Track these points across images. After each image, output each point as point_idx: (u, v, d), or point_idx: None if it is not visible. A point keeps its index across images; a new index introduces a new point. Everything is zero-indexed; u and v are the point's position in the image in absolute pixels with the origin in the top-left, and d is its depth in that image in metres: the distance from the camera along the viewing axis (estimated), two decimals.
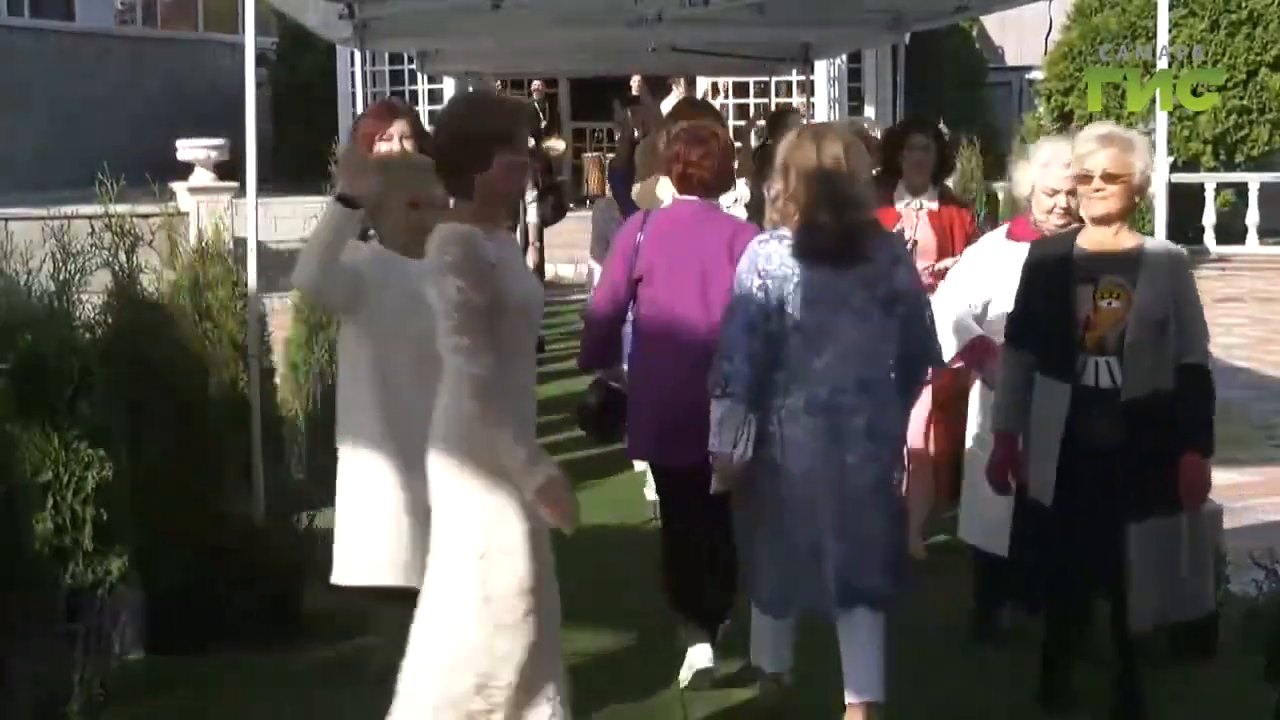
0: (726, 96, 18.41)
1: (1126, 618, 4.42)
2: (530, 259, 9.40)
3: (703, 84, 17.11)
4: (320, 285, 4.19)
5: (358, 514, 4.22)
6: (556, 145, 16.15)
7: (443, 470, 3.71)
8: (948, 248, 6.26)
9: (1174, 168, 15.62)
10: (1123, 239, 4.47)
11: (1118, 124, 4.78)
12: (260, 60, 9.00)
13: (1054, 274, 4.51)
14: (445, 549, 3.69)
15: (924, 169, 6.42)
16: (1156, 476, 4.34)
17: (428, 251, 3.67)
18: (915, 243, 6.26)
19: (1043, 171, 5.11)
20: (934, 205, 6.44)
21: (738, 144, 7.33)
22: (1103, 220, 4.45)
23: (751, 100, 18.17)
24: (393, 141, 5.08)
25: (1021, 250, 4.78)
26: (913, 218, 6.38)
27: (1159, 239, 5.05)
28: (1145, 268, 4.39)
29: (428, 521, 3.83)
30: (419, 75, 15.37)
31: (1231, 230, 17.71)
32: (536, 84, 17.13)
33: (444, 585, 3.68)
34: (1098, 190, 4.42)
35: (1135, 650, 4.49)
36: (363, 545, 4.20)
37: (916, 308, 4.46)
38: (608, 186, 8.90)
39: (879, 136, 7.42)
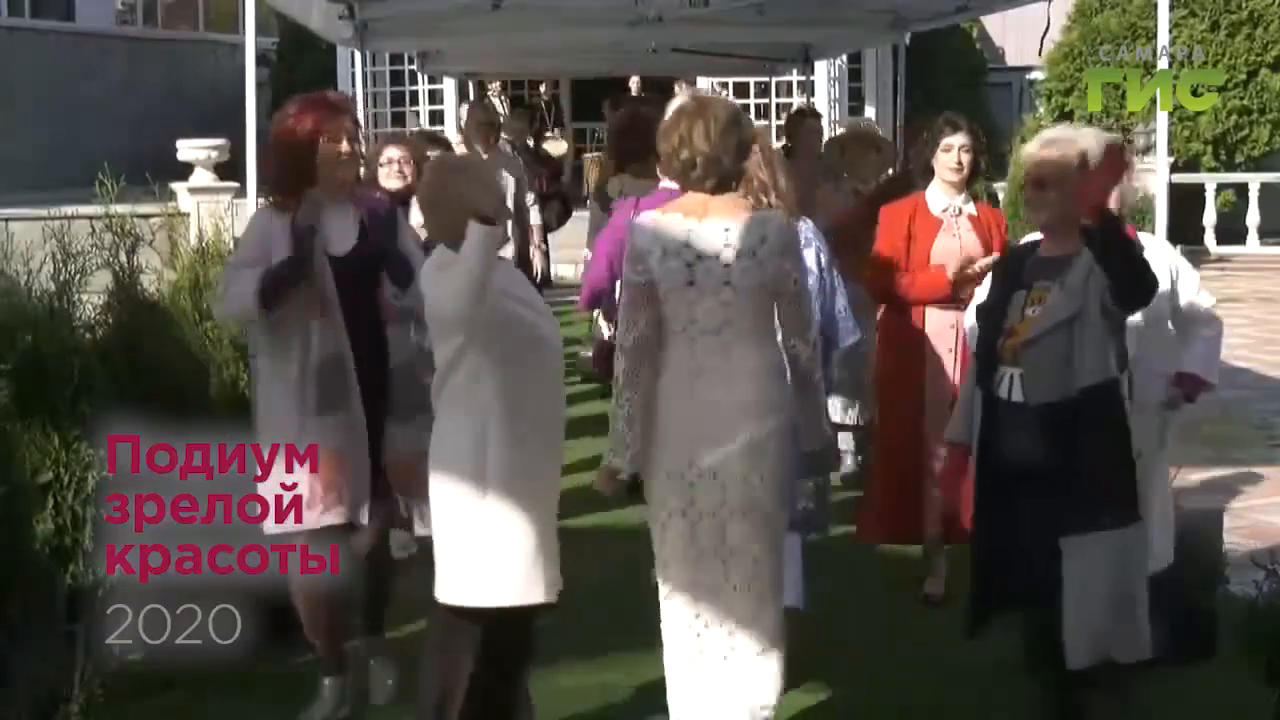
0: (726, 97, 18.43)
1: (1057, 643, 4.11)
2: (536, 262, 9.39)
3: (703, 84, 17.11)
4: (475, 317, 3.97)
5: (484, 532, 4.07)
6: (557, 145, 16.18)
7: (758, 451, 4.14)
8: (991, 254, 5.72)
9: (1174, 168, 15.63)
10: (1072, 243, 4.12)
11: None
12: (260, 60, 9.00)
13: (1002, 281, 4.34)
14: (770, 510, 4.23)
15: (963, 171, 5.82)
16: (1070, 492, 4.05)
17: (781, 235, 4.14)
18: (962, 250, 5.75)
19: None
20: (973, 210, 5.87)
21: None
22: (1043, 228, 4.23)
23: (752, 100, 18.16)
24: (341, 144, 4.62)
25: None
26: (953, 224, 5.81)
27: None
28: (1074, 269, 4.08)
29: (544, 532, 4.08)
30: (419, 75, 15.36)
31: (1231, 230, 17.70)
32: (542, 85, 17.18)
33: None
34: (1031, 199, 4.20)
35: (1070, 677, 4.14)
36: (501, 566, 4.07)
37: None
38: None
39: (896, 134, 7.32)
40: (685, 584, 4.23)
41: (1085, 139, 4.20)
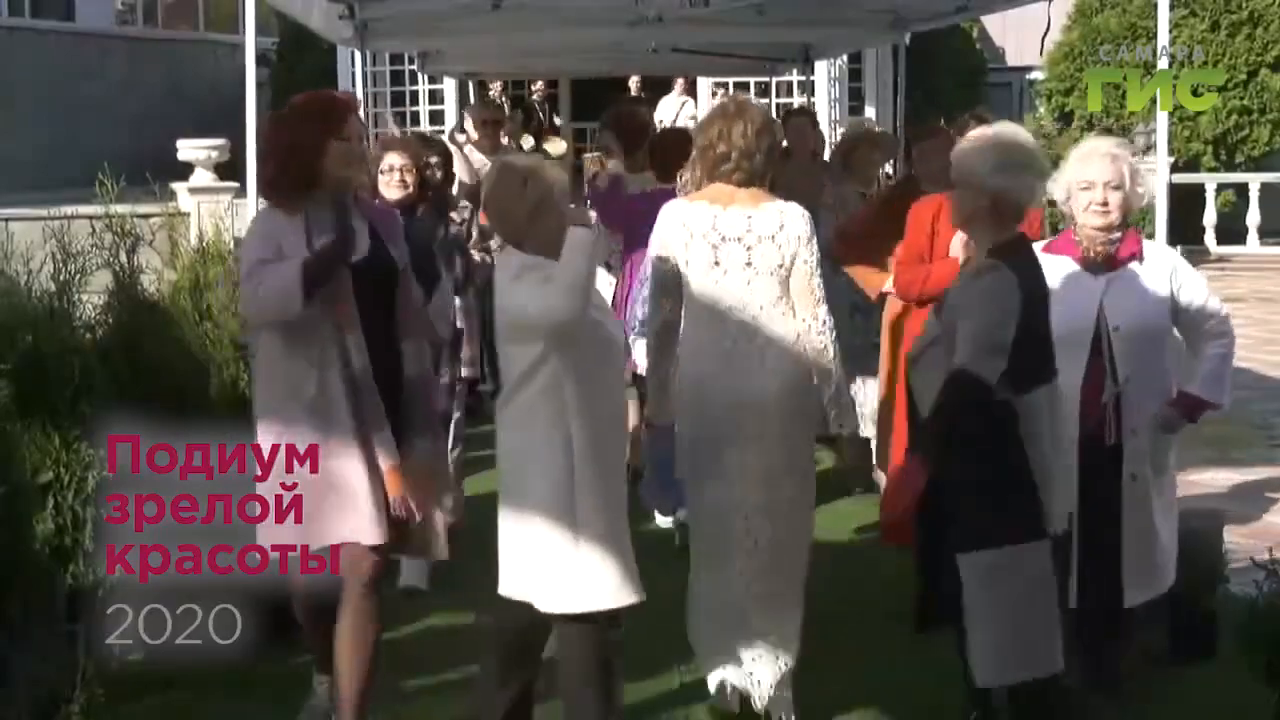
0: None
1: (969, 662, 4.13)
2: None
3: (704, 84, 17.11)
4: (577, 321, 4.06)
5: (586, 537, 4.10)
6: (556, 146, 16.16)
7: (791, 413, 4.51)
8: None
9: (1174, 168, 15.63)
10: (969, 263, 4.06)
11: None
12: (260, 60, 8.99)
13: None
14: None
15: None
16: (958, 509, 4.02)
17: (797, 221, 4.51)
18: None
19: (1080, 166, 4.59)
20: None
21: None
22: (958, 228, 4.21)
23: (752, 100, 18.16)
24: (351, 143, 4.35)
25: (1056, 265, 4.44)
26: None
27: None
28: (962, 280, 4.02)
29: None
30: (419, 75, 15.35)
31: (1232, 230, 17.71)
32: (539, 84, 17.12)
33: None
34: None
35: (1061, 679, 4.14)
36: (609, 569, 4.12)
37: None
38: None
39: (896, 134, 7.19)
40: (719, 549, 4.56)
41: (998, 148, 4.08)
